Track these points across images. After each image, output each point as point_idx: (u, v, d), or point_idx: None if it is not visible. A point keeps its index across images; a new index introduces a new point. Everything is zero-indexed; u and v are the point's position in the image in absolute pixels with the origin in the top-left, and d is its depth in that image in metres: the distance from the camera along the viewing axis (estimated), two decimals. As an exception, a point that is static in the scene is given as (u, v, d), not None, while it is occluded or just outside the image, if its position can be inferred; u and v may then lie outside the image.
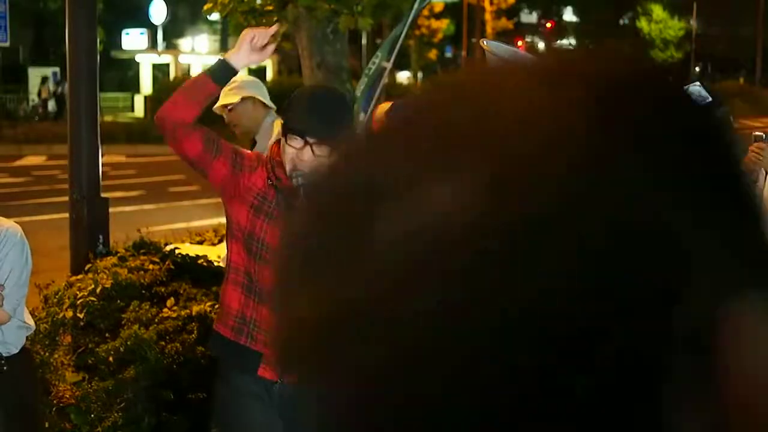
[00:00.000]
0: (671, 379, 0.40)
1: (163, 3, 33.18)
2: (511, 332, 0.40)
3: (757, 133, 4.43)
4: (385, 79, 8.47)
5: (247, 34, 3.33)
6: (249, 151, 3.32)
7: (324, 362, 0.43)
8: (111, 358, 4.55)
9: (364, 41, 32.77)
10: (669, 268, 0.39)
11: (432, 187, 0.40)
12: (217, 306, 4.28)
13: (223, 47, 41.92)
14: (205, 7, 7.21)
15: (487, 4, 41.87)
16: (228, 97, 5.20)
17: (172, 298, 5.12)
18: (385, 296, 0.41)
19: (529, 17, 65.46)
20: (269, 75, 35.07)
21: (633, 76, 0.44)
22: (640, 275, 0.39)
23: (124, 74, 39.65)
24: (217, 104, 5.23)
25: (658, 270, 0.39)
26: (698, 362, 0.40)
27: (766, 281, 0.40)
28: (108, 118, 28.85)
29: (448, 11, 41.89)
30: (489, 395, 0.40)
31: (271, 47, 3.34)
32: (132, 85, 37.90)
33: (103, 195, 5.99)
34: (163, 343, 4.69)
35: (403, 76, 45.65)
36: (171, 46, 40.33)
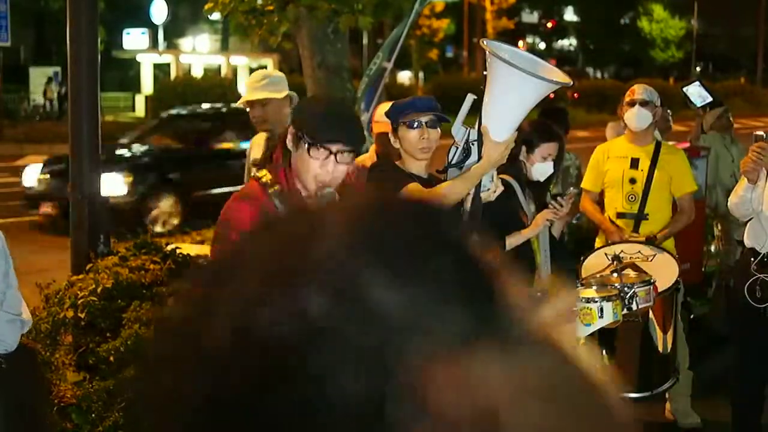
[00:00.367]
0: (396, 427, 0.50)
1: (164, 3, 33.21)
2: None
3: (758, 132, 4.43)
4: (385, 79, 8.46)
5: None
6: (245, 208, 3.05)
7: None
8: (112, 358, 4.55)
9: (365, 41, 32.75)
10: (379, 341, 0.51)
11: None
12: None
13: (224, 47, 41.93)
14: (206, 7, 7.21)
15: (487, 4, 41.85)
16: (267, 91, 5.07)
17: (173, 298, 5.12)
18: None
19: (530, 17, 65.43)
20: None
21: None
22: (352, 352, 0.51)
23: (125, 74, 39.64)
24: (253, 97, 5.09)
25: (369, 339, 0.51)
26: (416, 410, 0.50)
27: (458, 341, 0.51)
28: (109, 118, 28.84)
29: (449, 11, 41.88)
30: None
31: None
32: (133, 84, 37.90)
33: (103, 194, 5.99)
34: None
35: (404, 76, 45.62)
36: (172, 46, 40.33)
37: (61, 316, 4.84)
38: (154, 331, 0.58)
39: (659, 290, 4.55)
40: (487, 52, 3.49)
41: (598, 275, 4.53)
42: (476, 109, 3.65)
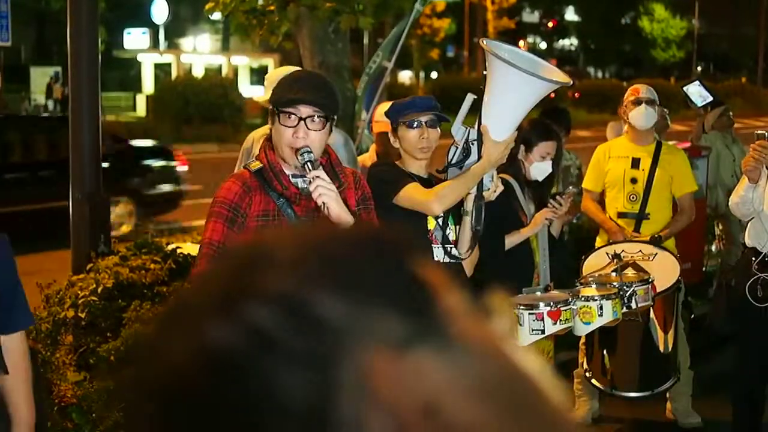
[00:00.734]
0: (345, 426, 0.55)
1: (165, 2, 33.22)
2: None
3: (759, 131, 4.43)
4: (386, 79, 8.46)
5: None
6: (231, 185, 3.10)
7: None
8: (112, 358, 4.55)
9: (365, 41, 32.74)
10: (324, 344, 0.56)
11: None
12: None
13: (225, 47, 41.93)
14: (207, 7, 7.21)
15: (488, 4, 41.86)
16: None
17: (174, 298, 5.12)
18: None
19: (531, 17, 65.42)
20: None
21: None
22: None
23: (126, 74, 39.66)
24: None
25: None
26: (362, 404, 0.55)
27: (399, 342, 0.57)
28: (110, 118, 28.84)
29: (450, 10, 41.89)
30: None
31: None
32: (134, 84, 37.92)
33: (104, 194, 6.00)
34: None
35: (405, 76, 45.64)
36: (173, 46, 40.34)
37: (62, 315, 4.84)
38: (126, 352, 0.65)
39: (661, 289, 4.55)
40: (486, 52, 3.49)
41: (597, 274, 4.53)
42: (476, 108, 3.65)
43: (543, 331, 3.94)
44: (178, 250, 5.67)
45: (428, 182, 3.73)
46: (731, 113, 8.03)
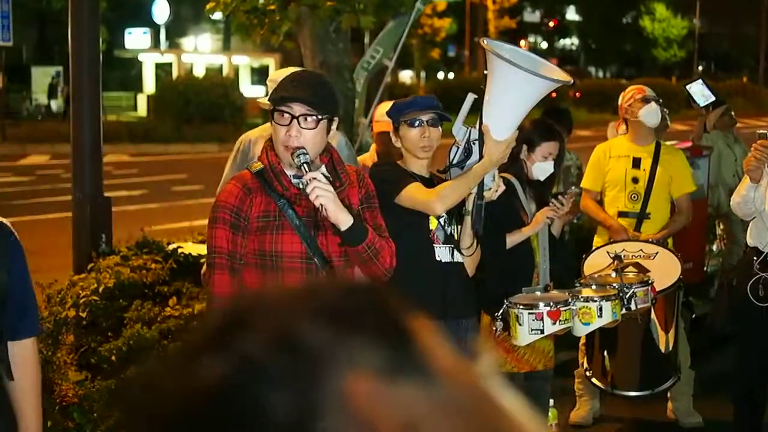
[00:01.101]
0: None
1: (166, 2, 33.21)
2: None
3: (760, 131, 4.42)
4: (387, 79, 8.46)
5: None
6: (232, 188, 3.10)
7: None
8: (113, 357, 4.55)
9: (366, 40, 32.76)
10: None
11: None
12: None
13: (226, 46, 41.94)
14: (208, 6, 7.21)
15: (489, 3, 41.84)
16: None
17: (175, 298, 5.12)
18: None
19: (532, 16, 65.41)
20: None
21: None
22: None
23: (127, 73, 39.66)
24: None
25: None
26: (344, 425, 0.60)
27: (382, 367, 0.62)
28: (111, 118, 28.84)
29: (451, 10, 41.87)
30: None
31: None
32: (135, 84, 37.91)
33: (105, 194, 6.00)
34: (165, 342, 4.69)
35: (406, 76, 45.63)
36: (174, 46, 40.34)
37: (63, 315, 4.84)
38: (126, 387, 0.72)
39: (662, 288, 4.55)
40: (487, 51, 3.48)
41: (597, 275, 4.53)
42: (477, 108, 3.65)
43: (542, 331, 3.94)
44: (179, 250, 5.68)
45: (430, 182, 3.73)
46: (733, 113, 8.03)
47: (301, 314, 0.64)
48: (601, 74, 64.12)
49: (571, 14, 66.97)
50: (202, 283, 4.81)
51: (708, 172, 7.49)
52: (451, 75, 44.09)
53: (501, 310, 4.02)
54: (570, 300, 4.02)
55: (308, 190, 2.90)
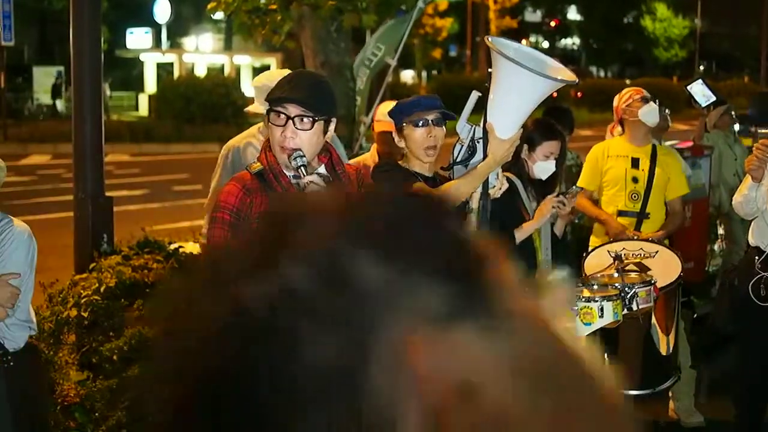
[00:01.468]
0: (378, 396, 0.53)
1: (168, 2, 33.19)
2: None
3: (762, 130, 4.42)
4: (389, 78, 8.45)
5: None
6: (231, 189, 3.10)
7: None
8: (115, 357, 4.55)
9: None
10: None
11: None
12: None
13: (227, 46, 41.94)
14: (210, 6, 7.21)
15: (491, 3, 41.83)
16: None
17: (176, 297, 5.13)
18: None
19: (534, 16, 65.39)
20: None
21: None
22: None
23: (129, 73, 39.68)
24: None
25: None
26: (395, 380, 0.54)
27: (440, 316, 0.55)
28: (112, 117, 28.86)
29: (452, 10, 41.84)
30: None
31: None
32: (136, 84, 37.93)
33: (107, 194, 6.00)
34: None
35: (408, 75, 45.61)
36: (175, 45, 40.35)
37: (65, 315, 4.84)
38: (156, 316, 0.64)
39: (663, 285, 4.55)
40: (491, 50, 3.47)
41: (599, 275, 4.53)
42: (480, 106, 3.64)
43: None
44: (181, 250, 5.68)
45: (433, 181, 3.72)
46: (734, 112, 8.02)
47: (351, 244, 0.56)
48: (602, 74, 64.10)
49: (573, 14, 66.94)
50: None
51: (709, 171, 7.48)
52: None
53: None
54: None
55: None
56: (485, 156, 3.58)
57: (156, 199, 14.77)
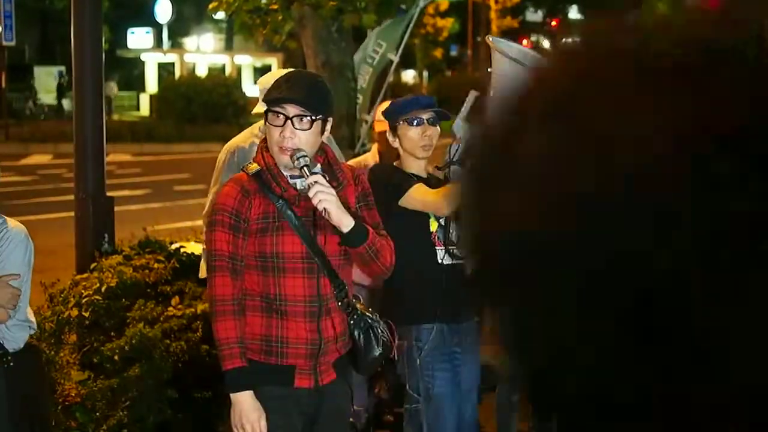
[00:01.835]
0: None
1: (169, 2, 33.22)
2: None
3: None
4: (390, 78, 8.45)
5: None
6: (229, 190, 3.08)
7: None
8: (116, 357, 4.55)
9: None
10: None
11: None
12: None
13: (228, 46, 41.94)
14: (211, 6, 7.22)
15: (492, 3, 41.84)
16: None
17: (177, 297, 5.12)
18: None
19: (535, 16, 65.38)
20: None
21: None
22: None
23: (130, 73, 39.69)
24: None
25: None
26: None
27: None
28: (114, 117, 28.88)
29: (453, 10, 41.84)
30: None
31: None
32: (137, 84, 37.95)
33: (108, 194, 6.00)
34: (168, 341, 4.69)
35: (409, 75, 45.61)
36: (176, 45, 40.35)
37: (66, 315, 4.84)
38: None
39: None
40: (492, 50, 3.47)
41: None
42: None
43: None
44: (182, 250, 5.68)
45: (427, 182, 3.69)
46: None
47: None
48: (603, 74, 64.06)
49: (574, 13, 66.93)
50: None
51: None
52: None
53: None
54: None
55: (311, 194, 2.88)
56: None
57: (157, 198, 14.78)
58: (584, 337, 0.56)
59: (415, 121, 3.65)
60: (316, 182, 2.89)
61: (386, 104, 4.80)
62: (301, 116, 2.96)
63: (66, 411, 4.39)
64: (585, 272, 0.54)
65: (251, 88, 32.73)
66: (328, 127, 3.07)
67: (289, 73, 3.20)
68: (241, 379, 2.96)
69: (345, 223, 2.93)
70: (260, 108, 4.62)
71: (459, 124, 3.63)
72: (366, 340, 3.11)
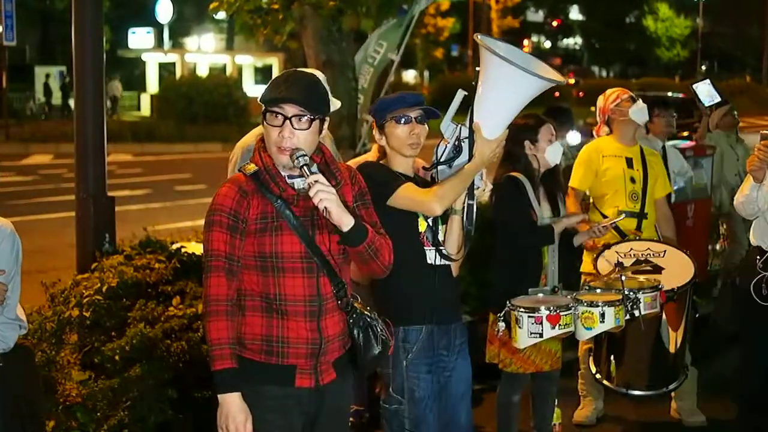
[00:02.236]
0: None
1: (170, 2, 33.21)
2: None
3: (764, 131, 4.41)
4: (391, 77, 8.45)
5: None
6: (227, 191, 3.03)
7: None
8: (117, 357, 4.55)
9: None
10: None
11: None
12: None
13: (229, 46, 41.94)
14: (212, 6, 7.22)
15: (493, 3, 41.84)
16: None
17: (178, 297, 5.12)
18: None
19: (535, 16, 65.36)
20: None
21: None
22: None
23: (131, 73, 39.70)
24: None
25: None
26: None
27: None
28: (114, 117, 28.87)
29: (454, 10, 41.85)
30: None
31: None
32: (138, 83, 37.94)
33: (109, 194, 6.00)
34: (168, 341, 4.69)
35: (410, 75, 45.62)
36: (177, 45, 40.36)
37: (67, 315, 4.84)
38: None
39: (677, 286, 4.53)
40: (480, 48, 3.44)
41: (605, 278, 4.52)
42: (465, 106, 3.60)
43: (541, 335, 3.91)
44: (183, 250, 5.68)
45: (414, 182, 3.67)
46: (736, 112, 8.03)
47: None
48: (604, 74, 64.06)
49: (575, 14, 66.90)
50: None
51: (711, 171, 7.49)
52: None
53: (503, 312, 4.01)
54: (572, 304, 4.00)
55: (311, 193, 2.87)
56: (471, 156, 3.54)
57: (158, 198, 14.78)
58: None
59: (403, 119, 3.62)
60: (316, 181, 2.88)
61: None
62: (299, 116, 2.95)
63: (67, 411, 4.39)
64: None
65: (252, 88, 32.75)
66: (325, 126, 3.07)
67: (285, 72, 3.19)
68: (229, 381, 2.95)
69: (345, 222, 2.93)
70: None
71: (448, 124, 3.60)
72: (365, 338, 3.11)
